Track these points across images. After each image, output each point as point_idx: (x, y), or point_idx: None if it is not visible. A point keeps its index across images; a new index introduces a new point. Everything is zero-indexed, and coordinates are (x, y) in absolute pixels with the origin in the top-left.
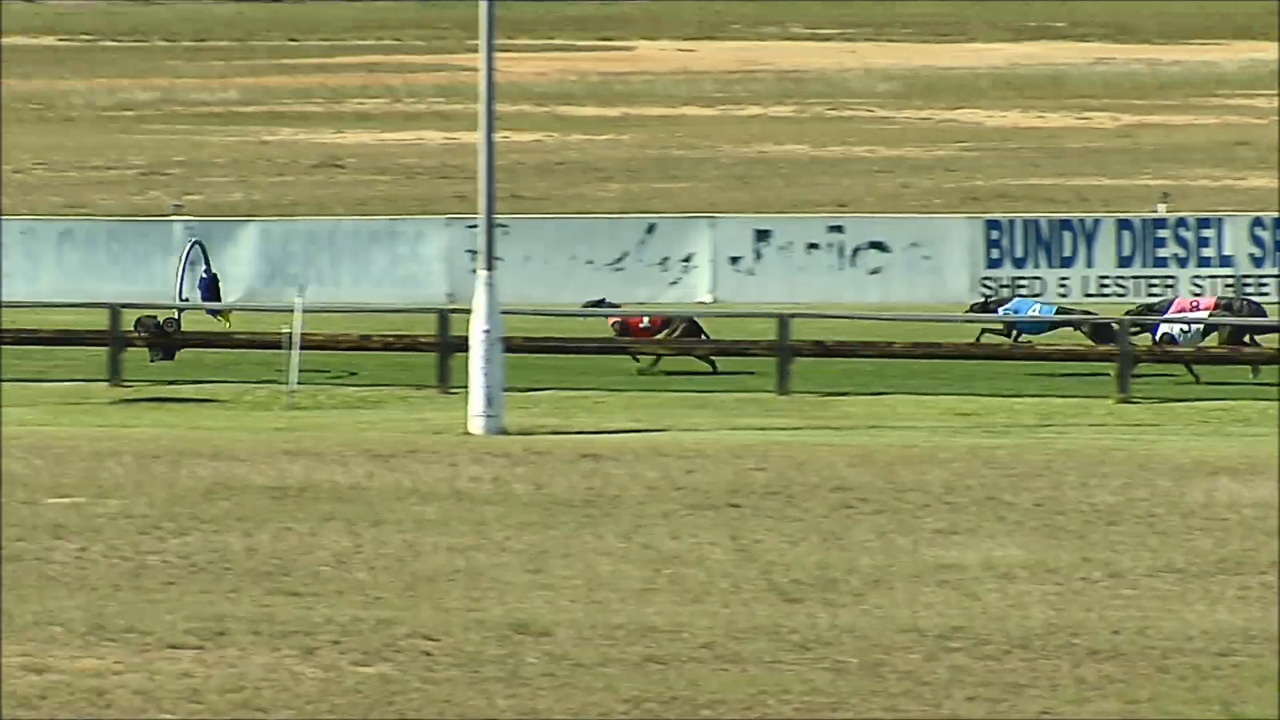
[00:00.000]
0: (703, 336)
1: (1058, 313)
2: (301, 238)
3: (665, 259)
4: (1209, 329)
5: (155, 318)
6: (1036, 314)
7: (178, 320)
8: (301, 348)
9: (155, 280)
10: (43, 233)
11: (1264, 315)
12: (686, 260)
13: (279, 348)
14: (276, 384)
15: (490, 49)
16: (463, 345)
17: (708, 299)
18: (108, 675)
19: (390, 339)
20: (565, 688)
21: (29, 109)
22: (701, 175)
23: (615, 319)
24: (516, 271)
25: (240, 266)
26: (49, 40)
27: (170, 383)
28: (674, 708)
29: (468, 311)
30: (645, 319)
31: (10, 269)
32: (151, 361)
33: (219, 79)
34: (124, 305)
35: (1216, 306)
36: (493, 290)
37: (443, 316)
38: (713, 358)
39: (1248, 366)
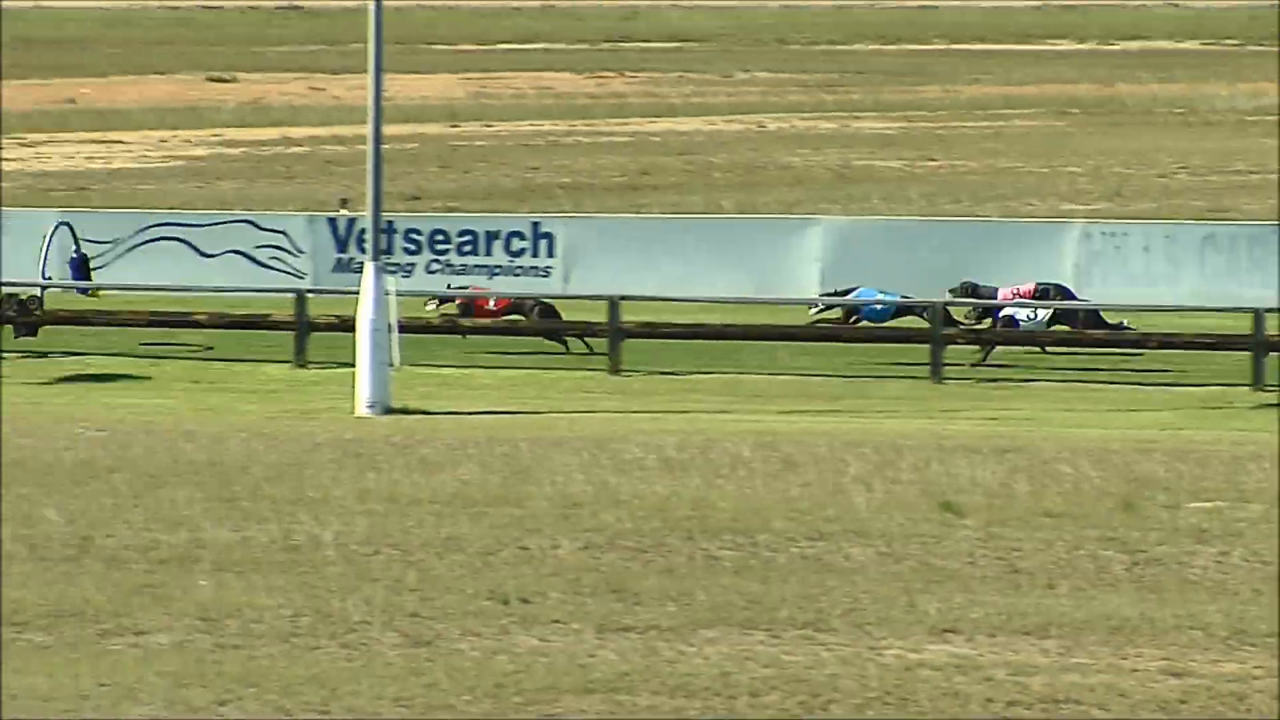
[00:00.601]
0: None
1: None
2: None
3: None
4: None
5: (18, 295)
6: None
7: (40, 299)
8: None
9: None
10: (1184, 237)
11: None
12: None
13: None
14: None
15: None
16: None
17: None
18: (1248, 680)
19: None
20: None
21: (1172, 113)
22: None
23: (462, 299)
24: None
25: None
26: (1192, 45)
27: None
28: None
29: None
30: (492, 300)
31: (1154, 271)
32: (16, 338)
33: None
34: (1268, 310)
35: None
36: None
37: None
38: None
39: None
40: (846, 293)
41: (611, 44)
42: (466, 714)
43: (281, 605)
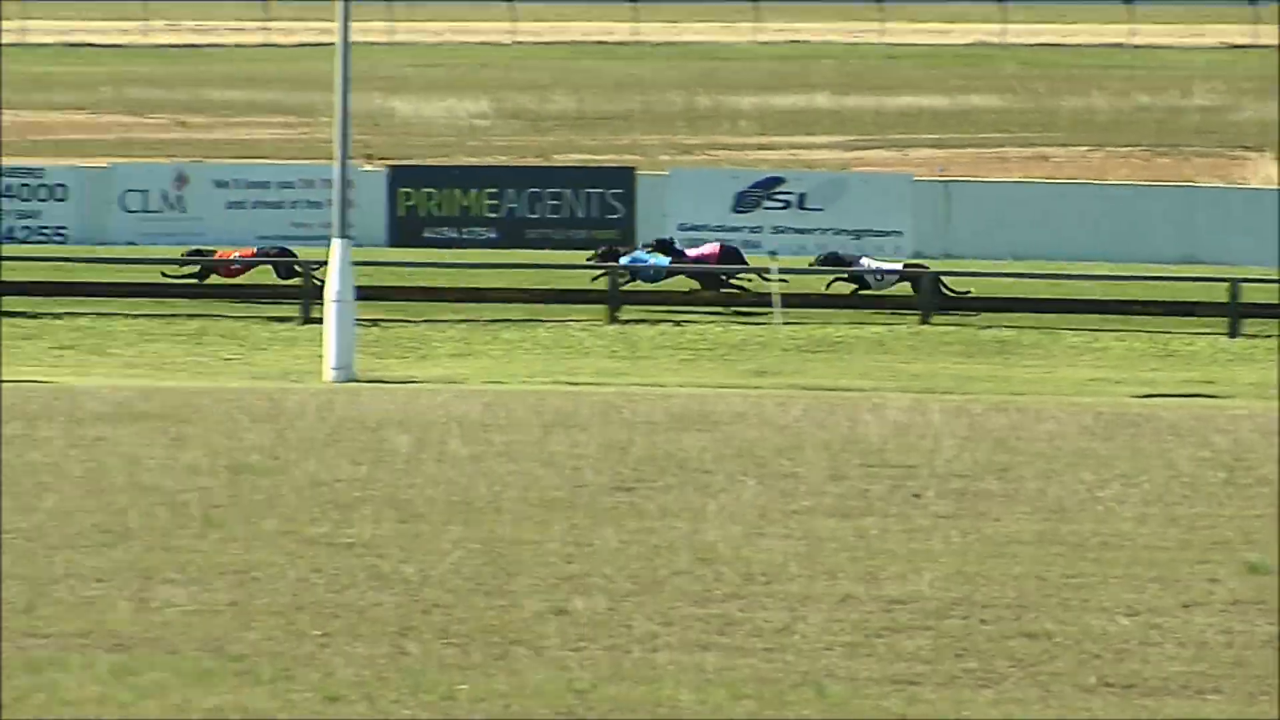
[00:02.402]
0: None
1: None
2: None
3: None
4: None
5: None
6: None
7: None
8: None
9: None
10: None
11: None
12: None
13: None
14: None
15: None
16: None
17: None
18: None
19: None
20: None
21: None
22: None
23: (203, 264)
24: None
25: None
26: None
27: None
28: None
29: None
30: (235, 254)
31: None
32: None
33: None
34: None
35: (721, 252)
36: None
37: None
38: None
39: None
40: (614, 255)
41: None
42: None
43: None
